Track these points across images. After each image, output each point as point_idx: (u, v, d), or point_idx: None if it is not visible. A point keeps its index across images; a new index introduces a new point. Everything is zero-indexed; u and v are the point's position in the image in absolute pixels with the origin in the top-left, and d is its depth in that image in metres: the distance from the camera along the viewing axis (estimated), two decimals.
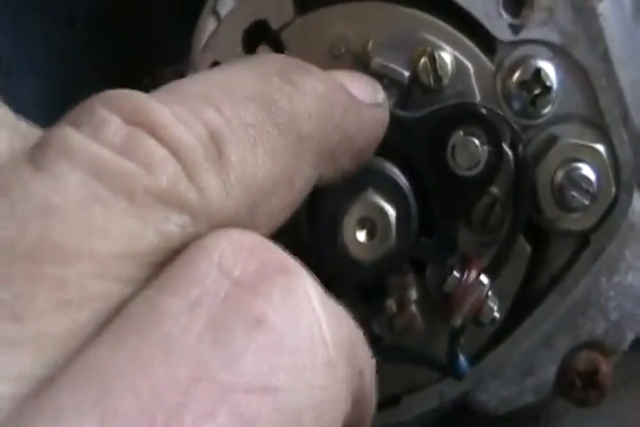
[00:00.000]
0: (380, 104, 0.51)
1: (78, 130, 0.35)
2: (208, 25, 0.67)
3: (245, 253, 0.35)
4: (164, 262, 0.35)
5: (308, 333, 0.35)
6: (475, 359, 0.59)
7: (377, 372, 0.59)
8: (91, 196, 0.33)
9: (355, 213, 0.52)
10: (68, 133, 0.35)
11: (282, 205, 0.41)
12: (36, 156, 0.34)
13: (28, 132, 0.40)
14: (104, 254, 0.33)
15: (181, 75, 0.72)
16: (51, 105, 0.76)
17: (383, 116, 0.51)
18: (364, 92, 0.49)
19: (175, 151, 0.36)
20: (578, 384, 0.60)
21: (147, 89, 0.74)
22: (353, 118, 0.47)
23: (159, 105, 0.37)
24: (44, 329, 0.31)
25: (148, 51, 0.99)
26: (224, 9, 0.66)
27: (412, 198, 0.54)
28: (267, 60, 0.47)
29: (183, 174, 0.35)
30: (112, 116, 0.36)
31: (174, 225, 0.35)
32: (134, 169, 0.34)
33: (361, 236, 0.52)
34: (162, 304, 0.33)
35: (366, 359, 0.42)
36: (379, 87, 0.53)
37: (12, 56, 0.74)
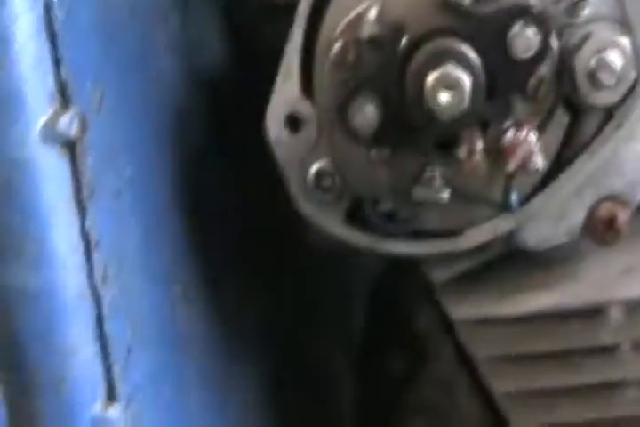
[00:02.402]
0: None
1: None
2: None
3: None
4: None
5: None
6: (522, 201, 0.76)
7: (446, 209, 0.77)
8: None
9: (439, 80, 0.70)
10: None
11: None
12: None
13: None
14: None
15: None
16: None
17: None
18: None
19: None
20: (600, 228, 0.78)
21: None
22: None
23: None
24: None
25: None
26: None
27: (481, 72, 0.71)
28: None
29: None
30: None
31: None
32: None
33: (443, 97, 0.70)
34: None
35: None
36: None
37: None
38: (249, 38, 1.02)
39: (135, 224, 0.72)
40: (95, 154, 0.68)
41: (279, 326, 0.96)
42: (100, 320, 0.66)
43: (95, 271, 0.67)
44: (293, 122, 0.77)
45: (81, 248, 0.66)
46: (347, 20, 0.74)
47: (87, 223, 0.66)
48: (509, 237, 0.79)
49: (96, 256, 0.67)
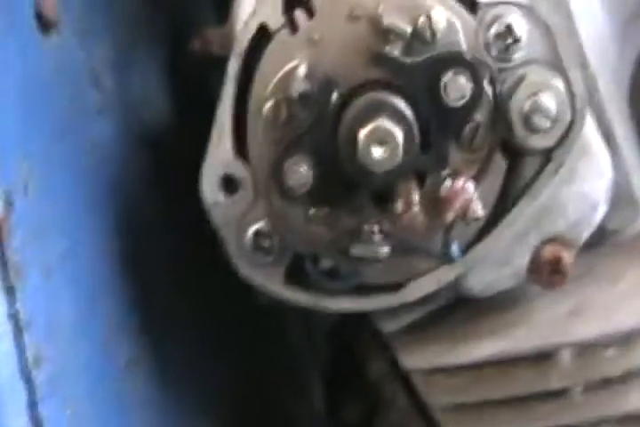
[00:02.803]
0: None
1: None
2: None
3: None
4: None
5: None
6: (463, 251, 0.75)
7: (387, 263, 0.76)
8: None
9: (370, 135, 0.69)
10: None
11: None
12: None
13: None
14: None
15: (225, 36, 0.86)
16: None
17: None
18: None
19: None
20: (545, 271, 0.77)
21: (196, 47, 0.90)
22: None
23: None
24: None
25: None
26: None
27: (415, 124, 0.70)
28: None
29: None
30: None
31: None
32: None
33: (376, 152, 0.69)
34: None
35: None
36: None
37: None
38: (195, 93, 1.00)
39: (69, 302, 0.70)
40: (22, 234, 0.65)
41: (234, 383, 0.94)
42: (33, 405, 0.63)
43: (27, 354, 0.64)
44: (228, 183, 0.75)
45: (10, 332, 0.63)
46: (277, 77, 0.73)
47: (17, 305, 0.64)
48: (455, 285, 0.78)
49: (27, 339, 0.64)
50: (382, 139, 0.69)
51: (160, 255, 0.85)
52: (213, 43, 0.91)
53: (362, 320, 0.85)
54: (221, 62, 0.86)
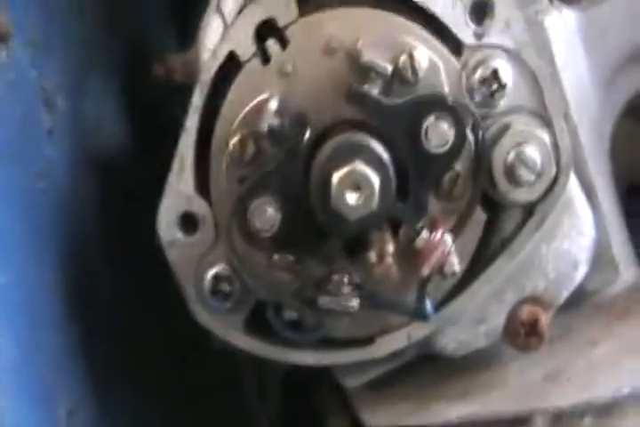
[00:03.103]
0: None
1: None
2: (213, 21, 0.76)
3: None
4: None
5: None
6: (437, 307, 0.70)
7: (355, 316, 0.71)
8: None
9: (346, 179, 0.64)
10: None
11: None
12: None
13: None
14: None
15: (189, 63, 0.82)
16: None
17: None
18: None
19: None
20: (522, 332, 0.72)
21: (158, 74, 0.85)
22: None
23: None
24: None
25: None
26: (227, 8, 0.77)
27: (392, 169, 0.66)
28: None
29: None
30: None
31: None
32: None
33: (350, 198, 0.64)
34: None
35: None
36: None
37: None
38: (150, 119, 0.96)
39: (9, 342, 0.64)
40: None
41: None
42: None
43: None
44: (188, 221, 0.70)
45: None
46: (245, 110, 0.68)
47: None
48: (425, 342, 0.73)
49: None
50: (357, 184, 0.64)
51: (105, 292, 0.80)
52: (176, 70, 0.87)
53: (321, 371, 0.80)
54: (182, 90, 0.82)
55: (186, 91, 0.83)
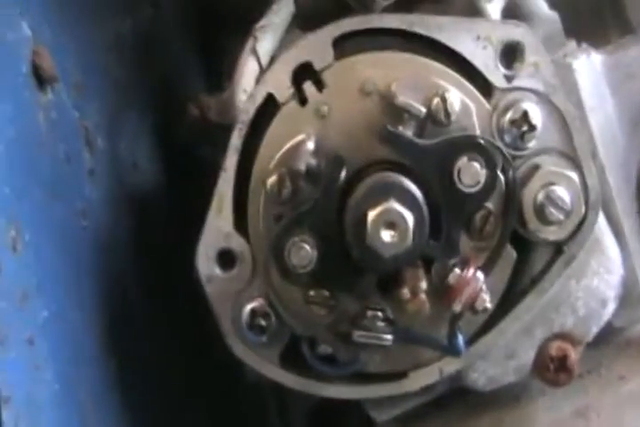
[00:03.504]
0: None
1: None
2: (248, 62, 0.80)
3: None
4: None
5: None
6: (468, 343, 0.72)
7: (390, 351, 0.73)
8: None
9: (381, 218, 0.66)
10: None
11: None
12: None
13: None
14: None
15: (224, 103, 0.85)
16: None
17: None
18: None
19: None
20: (551, 367, 0.73)
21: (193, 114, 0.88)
22: None
23: None
24: None
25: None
26: (262, 49, 0.80)
27: (425, 208, 0.68)
28: None
29: None
30: None
31: None
32: None
33: (385, 236, 0.66)
34: None
35: None
36: None
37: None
38: (181, 157, 0.98)
39: (52, 375, 0.66)
40: (8, 298, 0.61)
41: None
42: None
43: None
44: (226, 258, 0.72)
45: None
46: (283, 150, 0.71)
47: None
48: (456, 376, 0.75)
49: (5, 413, 0.60)
50: (392, 222, 0.66)
51: (141, 325, 0.81)
52: (211, 109, 0.89)
53: (349, 405, 0.81)
54: (213, 129, 0.84)
55: (217, 130, 0.85)
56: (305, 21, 0.79)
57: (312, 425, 1.06)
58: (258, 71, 0.80)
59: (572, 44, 0.80)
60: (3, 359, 0.60)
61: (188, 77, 1.17)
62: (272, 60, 0.79)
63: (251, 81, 0.79)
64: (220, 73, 1.17)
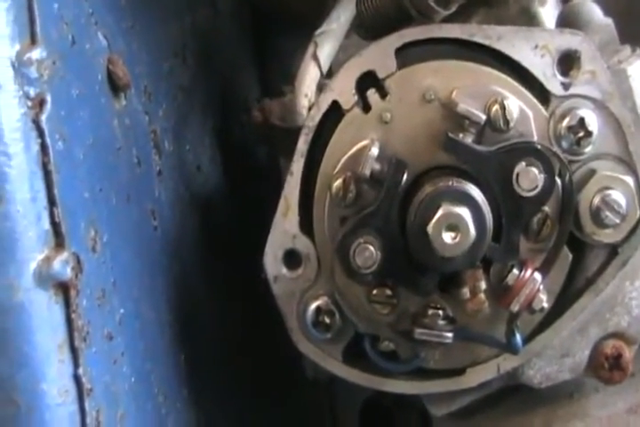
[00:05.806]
0: None
1: None
2: (309, 68, 0.83)
3: None
4: None
5: None
6: (525, 341, 0.74)
7: (449, 348, 0.75)
8: None
9: (443, 220, 0.69)
10: None
11: None
12: None
13: None
14: None
15: (286, 107, 0.88)
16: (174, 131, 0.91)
17: None
18: None
19: None
20: (605, 366, 0.76)
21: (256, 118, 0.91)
22: None
23: None
24: None
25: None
26: (322, 55, 0.82)
27: (487, 212, 0.70)
28: None
29: None
30: None
31: None
32: None
33: (447, 238, 0.69)
34: None
35: None
36: None
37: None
38: (241, 159, 1.01)
39: (128, 369, 0.70)
40: (89, 296, 0.65)
41: None
42: None
43: (87, 419, 0.64)
44: (292, 258, 0.75)
45: (72, 396, 0.63)
46: (347, 156, 0.73)
47: (79, 370, 0.63)
48: (513, 373, 0.77)
49: (88, 404, 0.64)
50: (454, 224, 0.69)
51: (207, 322, 0.85)
52: (273, 114, 0.92)
53: (402, 401, 0.84)
54: (273, 132, 0.86)
55: (278, 133, 0.88)
56: (366, 30, 0.82)
57: (362, 422, 1.09)
58: (318, 76, 0.83)
59: (627, 49, 0.82)
60: (86, 354, 0.64)
61: (244, 79, 1.20)
62: (331, 67, 0.82)
63: (312, 86, 0.82)
64: (273, 74, 1.20)
